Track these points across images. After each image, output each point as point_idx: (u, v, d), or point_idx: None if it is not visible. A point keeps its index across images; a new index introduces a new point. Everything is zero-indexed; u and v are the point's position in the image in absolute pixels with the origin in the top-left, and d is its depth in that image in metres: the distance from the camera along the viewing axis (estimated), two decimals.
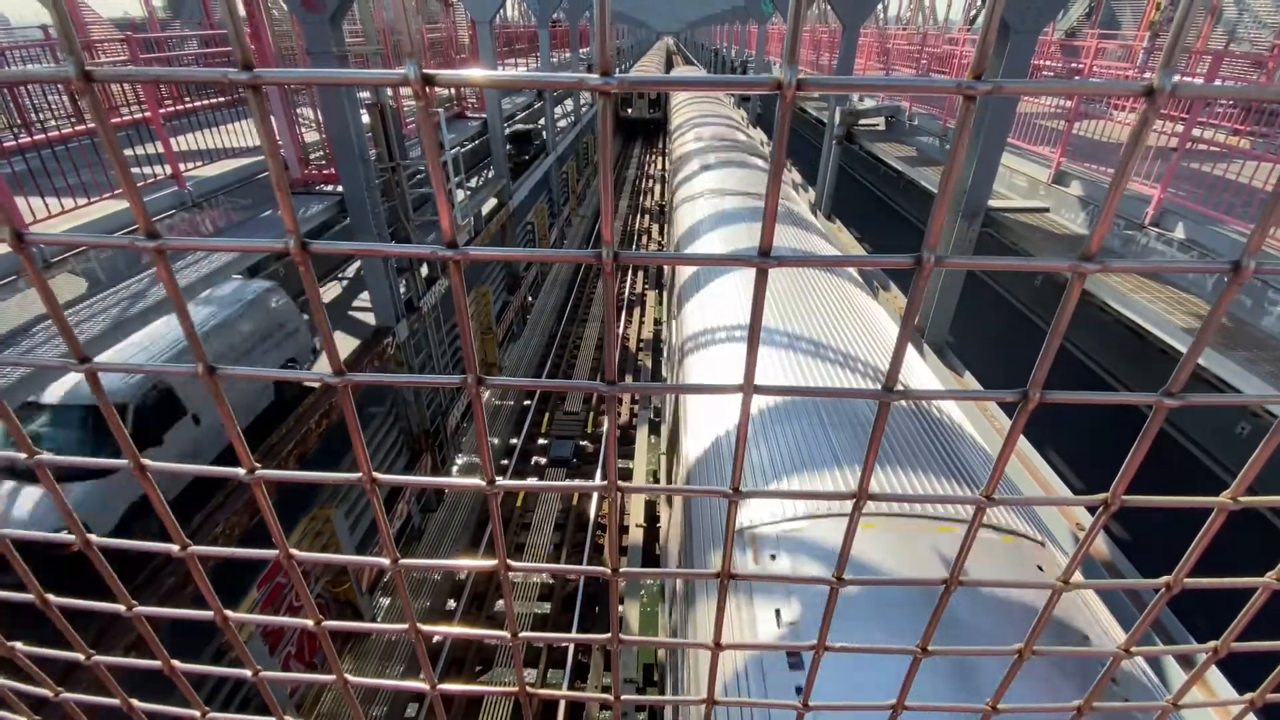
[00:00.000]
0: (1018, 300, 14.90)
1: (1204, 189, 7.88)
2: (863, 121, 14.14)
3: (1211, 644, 0.62)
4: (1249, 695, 0.71)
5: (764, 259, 0.40)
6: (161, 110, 8.75)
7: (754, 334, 0.44)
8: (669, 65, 39.12)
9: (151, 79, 0.40)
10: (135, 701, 0.81)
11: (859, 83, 0.38)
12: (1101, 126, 11.71)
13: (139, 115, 9.42)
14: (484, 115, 14.64)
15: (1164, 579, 0.56)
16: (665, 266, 11.05)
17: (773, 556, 3.53)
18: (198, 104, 10.67)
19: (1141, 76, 11.55)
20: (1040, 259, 0.43)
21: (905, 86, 0.38)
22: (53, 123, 9.19)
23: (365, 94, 8.72)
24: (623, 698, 0.66)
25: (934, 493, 3.83)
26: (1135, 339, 8.77)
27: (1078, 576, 0.66)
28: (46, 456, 0.56)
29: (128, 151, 7.95)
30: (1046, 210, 10.00)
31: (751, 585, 3.48)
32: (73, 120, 9.21)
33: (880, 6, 20.63)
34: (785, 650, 2.92)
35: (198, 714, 0.78)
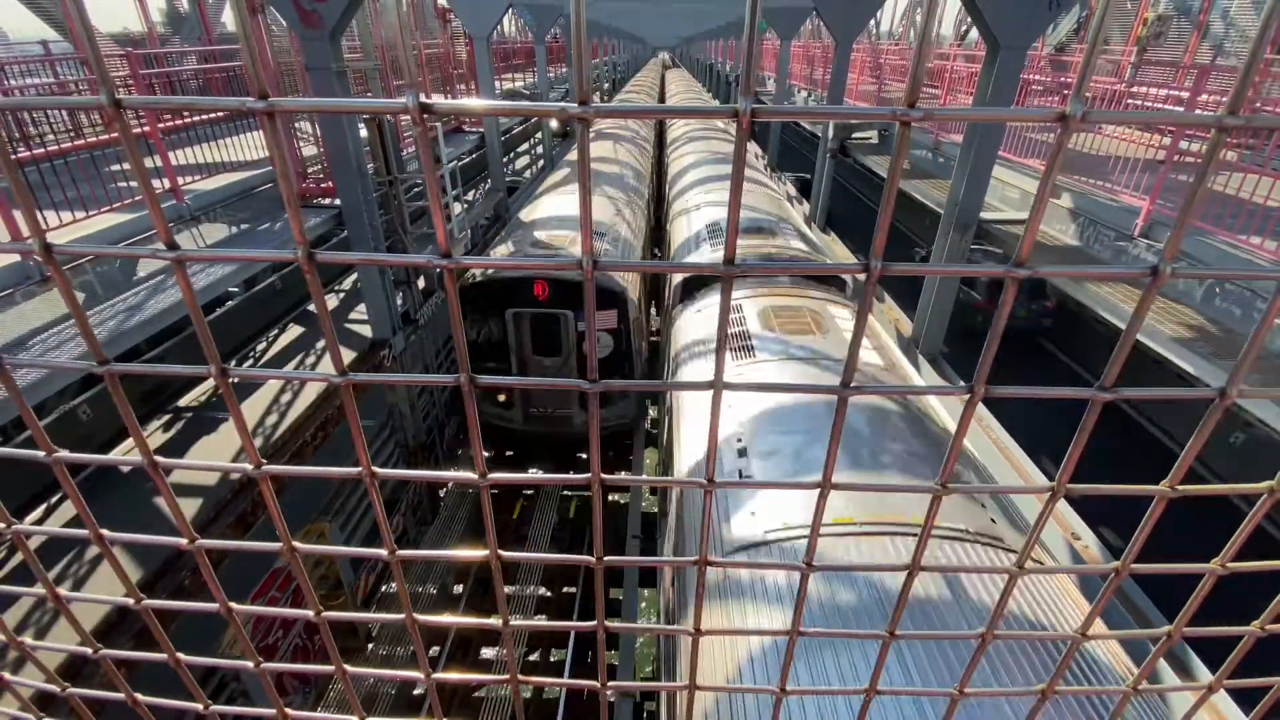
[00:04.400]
0: (1013, 313, 14.85)
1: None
2: (856, 135, 14.30)
3: (1165, 629, 0.66)
4: (1208, 680, 0.75)
5: (728, 267, 0.44)
6: (160, 125, 8.82)
7: (721, 337, 0.48)
8: (663, 83, 39.51)
9: (178, 107, 0.44)
10: (140, 695, 0.84)
11: (807, 111, 0.42)
12: (1090, 139, 11.87)
13: (138, 130, 9.50)
14: (481, 130, 14.77)
15: (1114, 564, 0.60)
16: (662, 283, 11.11)
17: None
18: (195, 119, 10.75)
19: (1129, 91, 11.72)
20: (979, 265, 0.47)
21: (849, 114, 0.42)
22: (51, 137, 9.25)
23: None
24: (609, 684, 0.69)
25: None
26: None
27: (1046, 564, 0.70)
28: (64, 454, 0.60)
29: (126, 165, 8.01)
30: None
31: (745, 599, 3.49)
32: (71, 135, 9.28)
33: (873, 22, 20.90)
34: (763, 635, 2.95)
35: (200, 707, 0.81)
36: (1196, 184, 0.42)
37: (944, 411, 5.56)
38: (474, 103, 0.42)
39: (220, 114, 11.51)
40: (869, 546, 3.44)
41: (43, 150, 7.71)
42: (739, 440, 4.61)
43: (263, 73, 0.41)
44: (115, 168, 8.23)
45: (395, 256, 0.49)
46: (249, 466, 0.57)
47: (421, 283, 10.72)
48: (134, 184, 7.98)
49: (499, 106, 0.43)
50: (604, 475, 0.55)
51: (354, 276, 12.64)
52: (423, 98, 0.39)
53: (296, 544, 0.62)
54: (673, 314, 8.17)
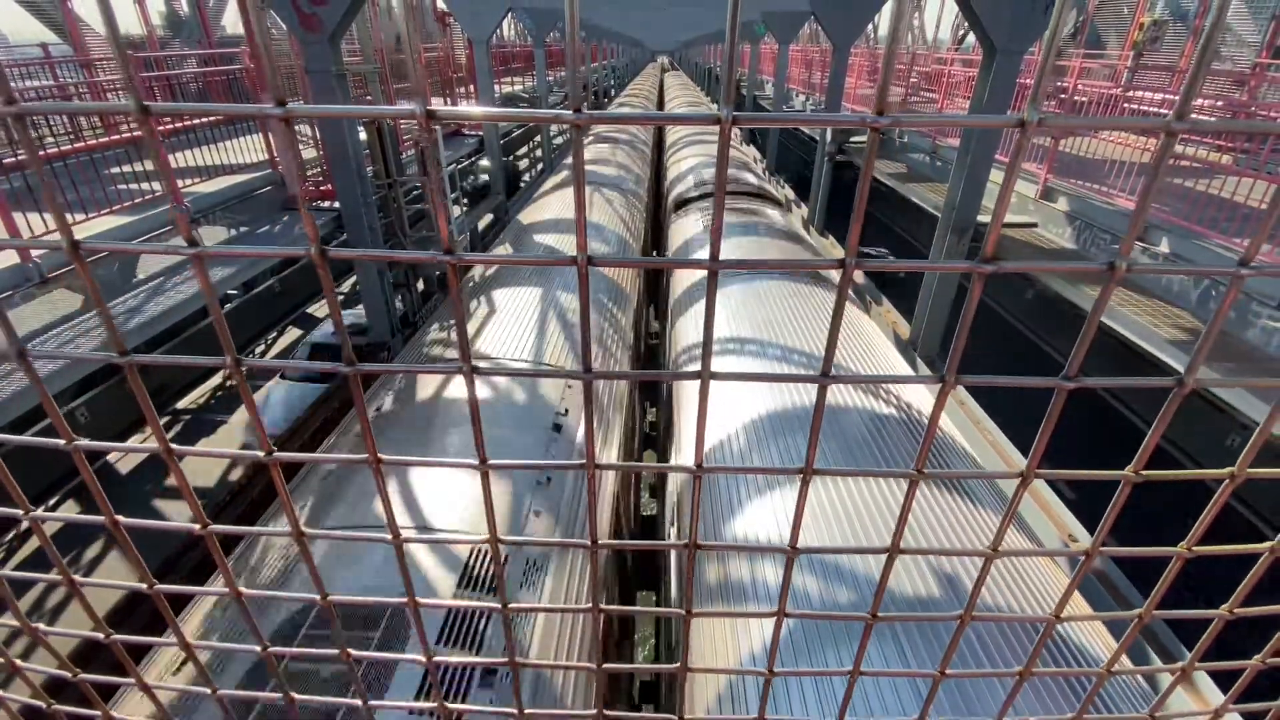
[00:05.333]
0: (1010, 314, 15.05)
1: (1188, 204, 8.04)
2: (854, 139, 14.36)
3: (1136, 611, 0.69)
4: (1180, 664, 0.78)
5: (713, 262, 0.47)
6: (161, 127, 8.85)
7: (708, 330, 0.51)
8: (662, 87, 39.67)
9: (201, 112, 0.47)
10: (149, 680, 0.87)
11: (785, 117, 0.45)
12: (1087, 143, 11.93)
13: (137, 133, 9.53)
14: (480, 134, 14.83)
15: (1084, 547, 0.63)
16: (661, 282, 11.26)
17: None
18: (195, 122, 10.80)
19: (1125, 95, 11.78)
20: (948, 261, 0.50)
21: (824, 120, 0.45)
22: (50, 139, 9.28)
23: None
24: (604, 666, 0.72)
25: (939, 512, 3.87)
26: (1125, 350, 8.90)
27: (1021, 550, 0.73)
28: (83, 442, 0.63)
29: (127, 168, 8.04)
30: (1035, 225, 10.17)
31: (747, 602, 3.51)
32: (71, 138, 9.31)
33: (870, 27, 20.98)
34: (750, 618, 2.96)
35: (209, 691, 0.84)
36: (1150, 183, 0.45)
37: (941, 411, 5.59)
38: (475, 110, 0.45)
39: (219, 118, 11.56)
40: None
41: (44, 153, 7.74)
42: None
43: (280, 82, 0.44)
44: (115, 170, 8.26)
45: (401, 253, 0.52)
46: (261, 454, 0.60)
47: (421, 285, 10.74)
48: (131, 186, 8.01)
49: (498, 113, 0.46)
50: (598, 461, 0.58)
51: (352, 279, 12.67)
52: (428, 103, 0.42)
53: (305, 529, 0.65)
54: (670, 218, 9.92)
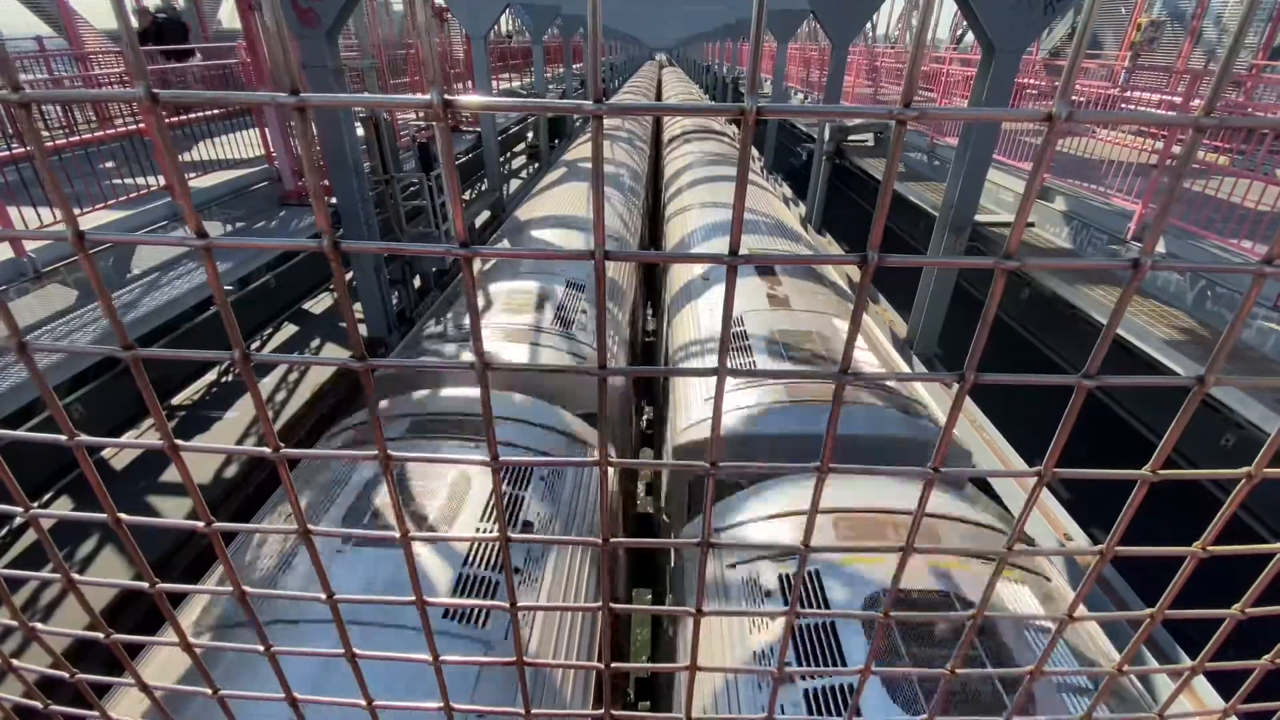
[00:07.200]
0: (1008, 316, 15.09)
1: (1184, 204, 8.07)
2: (852, 138, 14.37)
3: (1148, 611, 0.69)
4: (1189, 664, 0.78)
5: (732, 257, 0.47)
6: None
7: (725, 325, 0.51)
8: (660, 84, 39.64)
9: (208, 101, 0.46)
10: (149, 681, 0.86)
11: (808, 110, 0.45)
12: (1084, 143, 11.97)
13: (134, 127, 9.48)
14: (478, 129, 14.78)
15: (1099, 547, 0.63)
16: (658, 280, 11.27)
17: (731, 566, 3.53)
18: (192, 116, 10.74)
19: (1123, 95, 11.81)
20: (969, 256, 0.50)
21: (848, 112, 0.44)
22: (45, 133, 9.20)
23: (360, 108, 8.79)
24: (612, 665, 0.72)
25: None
26: (1122, 352, 8.93)
27: (1035, 555, 0.72)
28: (86, 438, 0.62)
29: (120, 162, 7.99)
30: (1032, 225, 10.20)
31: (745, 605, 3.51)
32: (66, 131, 9.25)
33: (869, 26, 20.98)
34: (760, 616, 2.96)
35: (209, 691, 0.83)
36: (1174, 180, 0.44)
37: (939, 411, 5.59)
38: (494, 99, 0.45)
39: (214, 112, 11.50)
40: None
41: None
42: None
43: (297, 72, 0.43)
44: (108, 164, 8.21)
45: (415, 245, 0.51)
46: (268, 450, 0.59)
47: (417, 282, 10.71)
48: (126, 181, 7.96)
49: (517, 103, 0.46)
50: (610, 458, 0.57)
51: (348, 275, 12.60)
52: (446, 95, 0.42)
53: (311, 527, 0.64)
54: (670, 301, 9.24)
